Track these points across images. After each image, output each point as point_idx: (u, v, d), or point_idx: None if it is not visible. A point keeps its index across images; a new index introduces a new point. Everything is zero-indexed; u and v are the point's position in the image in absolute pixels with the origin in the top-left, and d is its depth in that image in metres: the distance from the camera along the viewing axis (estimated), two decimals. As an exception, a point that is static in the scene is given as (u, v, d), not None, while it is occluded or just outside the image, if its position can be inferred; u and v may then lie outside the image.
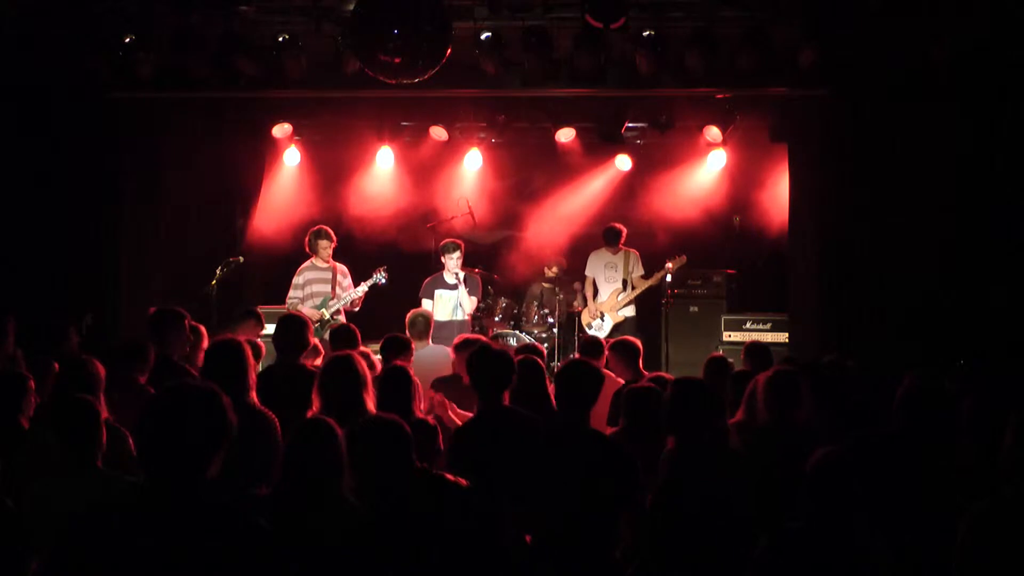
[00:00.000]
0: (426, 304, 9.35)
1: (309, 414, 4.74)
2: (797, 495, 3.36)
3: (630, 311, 10.42)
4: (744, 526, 3.50)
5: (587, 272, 10.61)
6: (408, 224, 11.05)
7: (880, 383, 5.31)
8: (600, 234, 10.77)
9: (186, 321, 6.00)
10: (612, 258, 10.46)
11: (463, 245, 9.53)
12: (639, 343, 6.83)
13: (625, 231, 10.44)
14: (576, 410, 4.49)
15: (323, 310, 9.08)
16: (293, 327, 5.89)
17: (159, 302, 9.08)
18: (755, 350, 6.70)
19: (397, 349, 6.35)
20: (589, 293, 10.57)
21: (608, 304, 10.39)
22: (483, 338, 6.91)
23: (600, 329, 10.32)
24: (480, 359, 4.86)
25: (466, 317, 9.53)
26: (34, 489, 3.73)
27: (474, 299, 9.56)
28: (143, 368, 5.33)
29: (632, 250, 10.47)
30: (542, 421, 4.76)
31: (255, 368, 4.87)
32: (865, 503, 3.26)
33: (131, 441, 3.96)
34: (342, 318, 9.14)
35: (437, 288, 9.52)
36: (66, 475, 3.80)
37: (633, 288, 10.34)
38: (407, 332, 7.95)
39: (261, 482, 3.87)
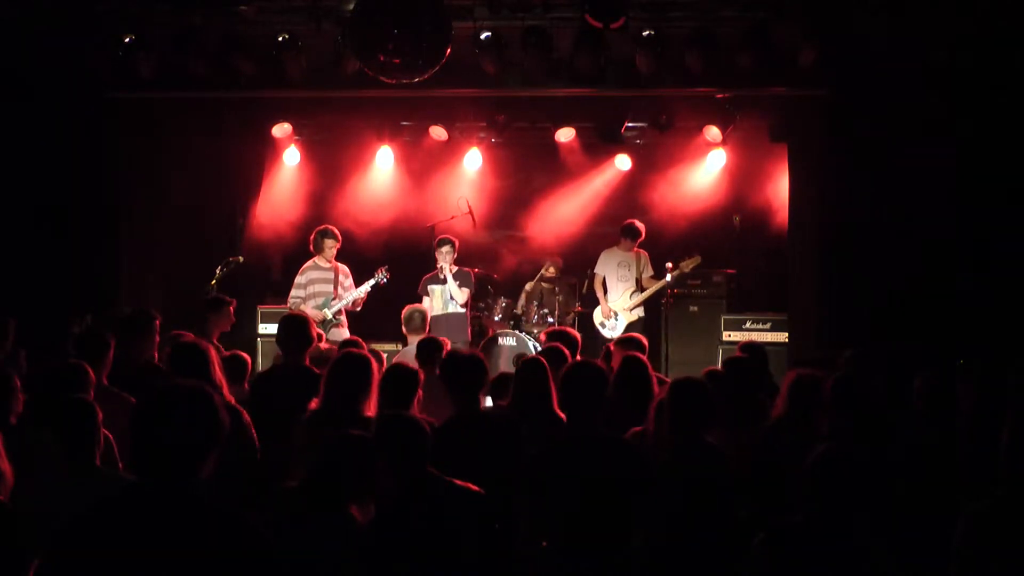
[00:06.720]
0: (424, 301, 9.47)
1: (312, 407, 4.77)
2: (796, 491, 3.36)
3: (641, 311, 10.39)
4: (738, 525, 3.50)
5: (598, 270, 10.51)
6: (408, 224, 11.05)
7: (880, 383, 5.29)
8: (605, 233, 10.77)
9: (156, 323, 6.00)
10: (625, 257, 10.40)
11: (456, 241, 9.64)
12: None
13: (644, 231, 10.32)
14: (586, 413, 4.28)
15: (325, 310, 9.10)
16: (297, 327, 5.90)
17: (159, 302, 9.14)
18: (749, 350, 6.67)
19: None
20: (599, 291, 10.50)
21: (621, 303, 10.35)
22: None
23: (614, 329, 10.27)
24: (451, 364, 4.81)
25: (461, 309, 9.57)
26: (32, 489, 3.72)
27: (465, 290, 9.64)
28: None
29: (643, 251, 10.43)
30: (517, 421, 4.68)
31: (220, 366, 4.86)
32: (865, 500, 3.26)
33: None
34: (343, 318, 9.19)
35: (431, 284, 9.68)
36: (64, 475, 3.79)
37: (644, 289, 10.29)
38: (404, 328, 8.05)
39: (237, 480, 3.86)
